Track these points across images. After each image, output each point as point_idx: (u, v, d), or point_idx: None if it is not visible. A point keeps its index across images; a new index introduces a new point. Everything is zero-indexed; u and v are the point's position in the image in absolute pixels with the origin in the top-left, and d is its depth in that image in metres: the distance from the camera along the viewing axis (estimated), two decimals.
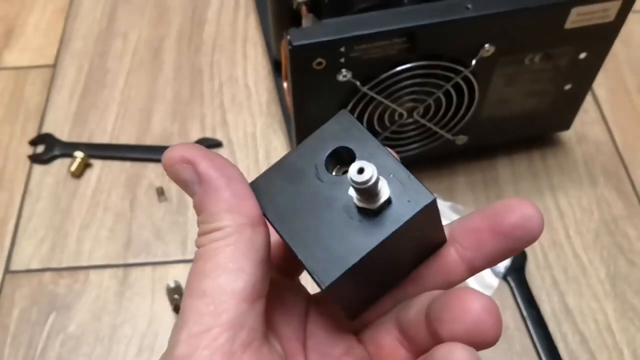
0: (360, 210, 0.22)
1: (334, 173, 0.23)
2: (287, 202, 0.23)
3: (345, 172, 0.22)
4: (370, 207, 0.21)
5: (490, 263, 0.24)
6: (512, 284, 0.50)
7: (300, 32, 0.42)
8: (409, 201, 0.22)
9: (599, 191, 0.56)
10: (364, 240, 0.21)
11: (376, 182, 0.21)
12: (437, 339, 0.21)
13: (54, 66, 0.65)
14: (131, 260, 0.52)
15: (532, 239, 0.22)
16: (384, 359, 0.24)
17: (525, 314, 0.49)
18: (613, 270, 0.51)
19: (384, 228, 0.21)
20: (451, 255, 0.24)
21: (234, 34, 0.67)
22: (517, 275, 0.51)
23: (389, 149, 0.23)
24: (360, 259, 0.21)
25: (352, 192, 0.22)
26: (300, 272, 0.27)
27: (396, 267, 0.24)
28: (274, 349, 0.23)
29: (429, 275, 0.24)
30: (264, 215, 0.22)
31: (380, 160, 0.22)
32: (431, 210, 0.22)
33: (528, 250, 0.52)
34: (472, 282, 0.50)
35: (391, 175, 0.22)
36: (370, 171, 0.20)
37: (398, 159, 0.23)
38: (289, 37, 0.41)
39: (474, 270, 0.24)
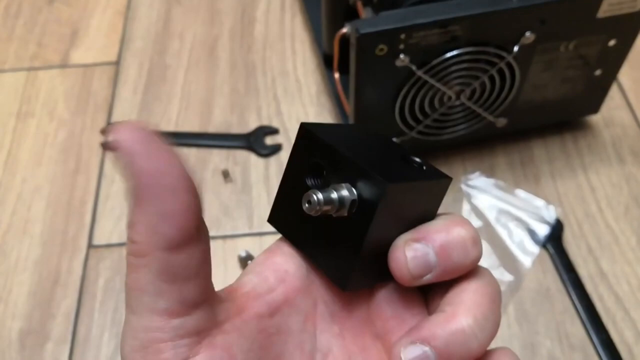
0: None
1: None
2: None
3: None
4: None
5: None
6: (552, 251, 0.55)
7: (365, 22, 0.47)
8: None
9: (627, 169, 0.61)
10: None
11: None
12: None
13: (117, 63, 0.71)
14: None
15: None
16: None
17: (564, 277, 0.54)
18: None
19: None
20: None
21: (282, 33, 0.73)
22: (555, 243, 0.56)
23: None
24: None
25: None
26: None
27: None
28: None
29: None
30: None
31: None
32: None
33: (564, 221, 0.57)
34: (515, 250, 0.55)
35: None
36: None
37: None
38: (356, 26, 0.46)
39: None
